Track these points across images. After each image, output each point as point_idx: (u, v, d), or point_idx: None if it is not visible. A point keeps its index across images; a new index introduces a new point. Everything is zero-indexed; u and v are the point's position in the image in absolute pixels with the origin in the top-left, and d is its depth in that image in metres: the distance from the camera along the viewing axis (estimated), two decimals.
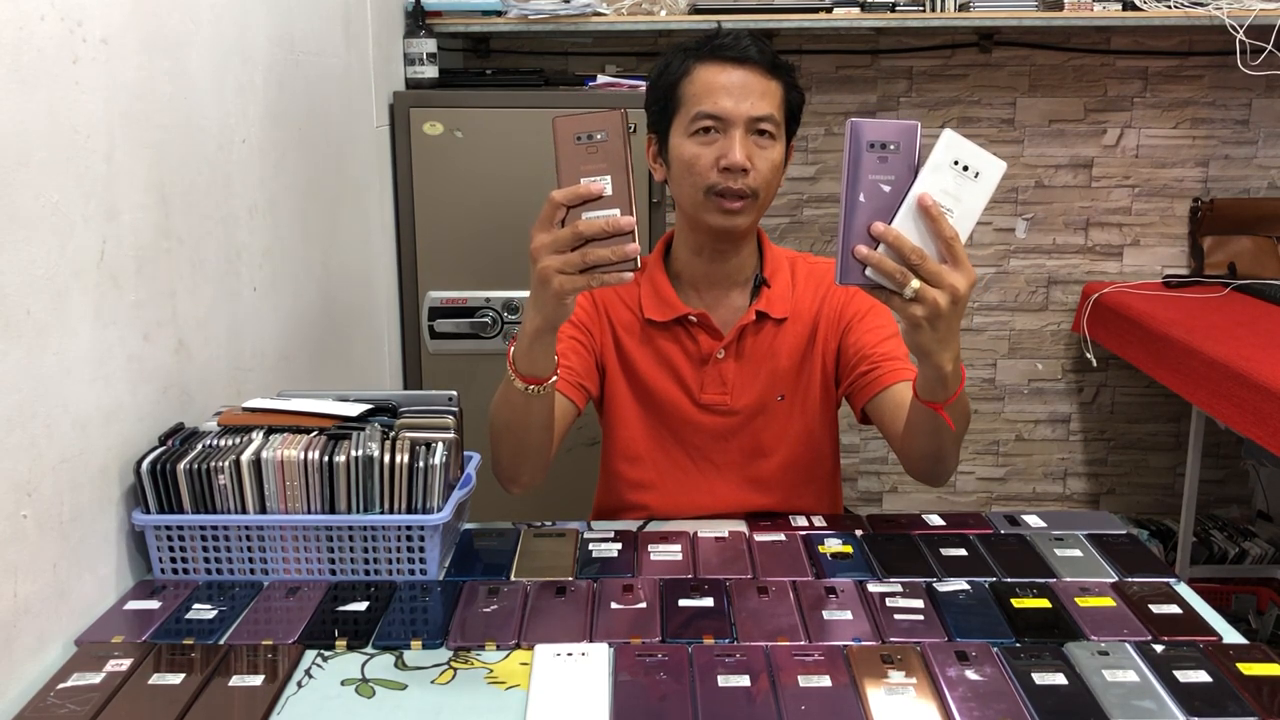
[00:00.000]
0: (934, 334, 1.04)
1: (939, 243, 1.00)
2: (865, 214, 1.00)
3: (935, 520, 1.37)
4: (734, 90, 1.37)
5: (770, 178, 1.40)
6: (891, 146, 1.00)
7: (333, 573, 1.20)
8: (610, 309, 1.51)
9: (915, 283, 1.00)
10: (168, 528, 1.18)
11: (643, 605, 1.13)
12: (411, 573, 1.20)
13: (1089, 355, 2.86)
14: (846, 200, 1.01)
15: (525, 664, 1.03)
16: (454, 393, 1.30)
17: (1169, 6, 2.49)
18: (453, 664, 1.04)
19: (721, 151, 1.36)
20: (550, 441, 1.32)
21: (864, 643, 1.06)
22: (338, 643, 1.06)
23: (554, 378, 1.20)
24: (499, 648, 1.06)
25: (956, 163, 1.00)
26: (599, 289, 1.50)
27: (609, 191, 1.03)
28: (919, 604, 1.13)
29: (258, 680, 0.99)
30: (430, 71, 2.35)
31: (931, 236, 1.00)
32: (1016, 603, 1.13)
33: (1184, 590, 1.18)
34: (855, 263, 1.01)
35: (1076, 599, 1.14)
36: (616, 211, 1.03)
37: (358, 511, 1.19)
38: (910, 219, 1.00)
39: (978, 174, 1.00)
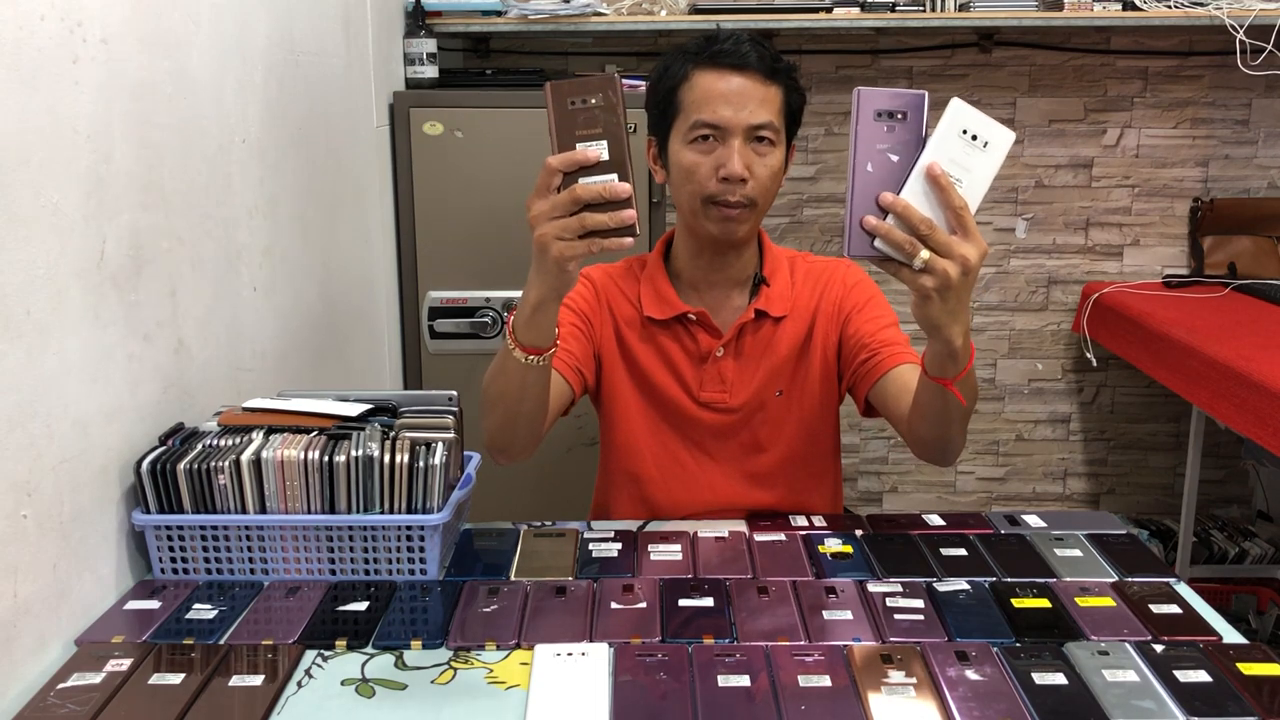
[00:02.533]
0: (944, 306, 1.03)
1: (948, 213, 0.99)
2: (873, 184, 0.99)
3: (935, 520, 1.37)
4: (732, 98, 1.36)
5: (769, 185, 1.39)
6: (899, 115, 0.98)
7: (333, 573, 1.20)
8: (613, 302, 1.51)
9: (925, 253, 0.99)
10: (168, 528, 1.18)
11: (643, 605, 1.13)
12: (411, 573, 1.20)
13: (1089, 355, 2.86)
14: (854, 170, 0.98)
15: (525, 664, 1.03)
16: (454, 393, 1.30)
17: (1169, 6, 2.49)
18: (453, 664, 1.04)
19: (720, 161, 1.36)
20: (543, 416, 1.30)
21: (864, 643, 1.06)
22: (338, 643, 1.06)
23: (553, 349, 1.18)
24: (499, 648, 1.06)
25: (965, 132, 0.98)
26: (601, 282, 1.51)
27: (605, 157, 1.01)
28: (919, 604, 1.13)
29: (258, 680, 0.99)
30: (430, 71, 2.35)
31: (941, 206, 0.99)
32: (1016, 603, 1.13)
33: (1184, 590, 1.18)
34: (863, 234, 0.99)
35: (1076, 599, 1.14)
36: (614, 177, 1.01)
37: (358, 511, 1.19)
38: (919, 189, 0.98)
39: (986, 143, 0.99)
